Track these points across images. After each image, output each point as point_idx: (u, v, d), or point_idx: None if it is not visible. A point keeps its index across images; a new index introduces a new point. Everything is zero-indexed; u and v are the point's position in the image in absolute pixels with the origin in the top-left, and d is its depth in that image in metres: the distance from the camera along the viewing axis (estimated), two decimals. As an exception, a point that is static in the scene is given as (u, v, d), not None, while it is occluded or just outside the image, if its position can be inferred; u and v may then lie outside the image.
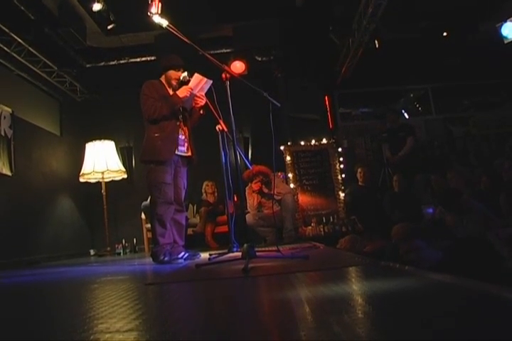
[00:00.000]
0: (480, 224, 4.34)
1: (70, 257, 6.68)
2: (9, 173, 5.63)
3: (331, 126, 8.02)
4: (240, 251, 3.18)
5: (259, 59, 7.43)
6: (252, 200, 6.02)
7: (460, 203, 4.71)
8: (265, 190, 5.89)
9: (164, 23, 3.50)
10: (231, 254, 3.75)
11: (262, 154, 6.66)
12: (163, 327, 1.27)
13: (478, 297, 1.40)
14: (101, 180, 7.11)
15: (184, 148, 4.00)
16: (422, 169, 7.05)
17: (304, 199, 7.17)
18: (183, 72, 3.97)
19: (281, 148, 7.23)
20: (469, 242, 3.30)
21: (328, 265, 2.81)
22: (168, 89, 3.98)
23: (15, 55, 6.04)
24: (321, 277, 2.21)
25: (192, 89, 3.81)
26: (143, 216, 6.77)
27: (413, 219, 5.00)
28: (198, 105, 3.95)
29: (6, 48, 5.85)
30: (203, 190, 6.91)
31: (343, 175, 7.27)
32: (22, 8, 5.33)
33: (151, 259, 3.89)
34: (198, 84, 3.82)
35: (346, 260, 3.13)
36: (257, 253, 2.94)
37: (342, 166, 7.29)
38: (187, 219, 4.38)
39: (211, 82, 3.83)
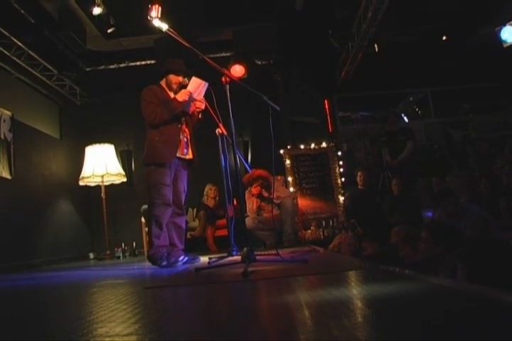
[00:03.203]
0: (479, 228, 4.33)
1: (69, 261, 6.67)
2: (9, 177, 5.63)
3: (330, 129, 8.02)
4: (239, 255, 3.18)
5: (259, 62, 7.45)
6: (251, 204, 6.01)
7: (456, 204, 4.71)
8: (265, 194, 5.89)
9: (164, 26, 3.51)
10: (231, 258, 3.74)
11: (261, 158, 6.67)
12: (163, 330, 1.27)
13: (478, 300, 1.40)
14: (100, 184, 7.10)
15: (186, 151, 4.01)
16: (421, 173, 7.06)
17: (303, 202, 7.17)
18: (184, 77, 3.98)
19: (281, 151, 7.23)
20: (487, 244, 3.27)
21: (327, 269, 2.81)
22: (169, 92, 3.99)
23: (15, 58, 6.05)
24: (320, 281, 2.21)
25: (191, 93, 3.81)
26: (142, 219, 6.75)
27: (413, 223, 5.00)
28: (199, 109, 3.95)
29: (6, 52, 5.85)
30: (205, 193, 6.89)
31: (343, 179, 7.27)
32: (22, 11, 5.35)
33: (150, 263, 3.88)
34: (197, 88, 3.83)
35: (346, 264, 3.12)
36: (257, 257, 2.94)
37: (341, 170, 7.29)
38: (187, 222, 4.38)
39: (207, 84, 3.84)
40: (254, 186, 5.89)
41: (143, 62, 7.38)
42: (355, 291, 1.79)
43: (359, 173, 6.81)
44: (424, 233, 3.73)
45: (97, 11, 5.69)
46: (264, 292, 2.07)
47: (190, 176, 4.20)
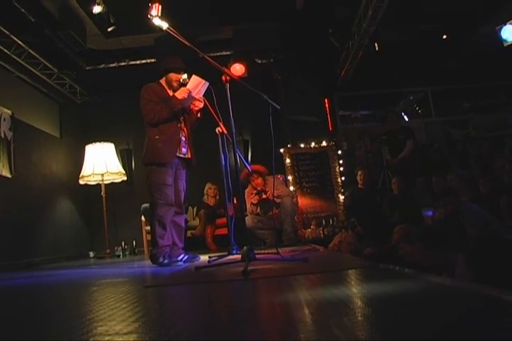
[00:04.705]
0: (479, 227, 4.33)
1: (69, 259, 6.68)
2: (9, 175, 5.63)
3: (330, 128, 8.02)
4: (239, 254, 3.18)
5: (259, 61, 7.44)
6: (250, 209, 6.01)
7: (455, 203, 4.71)
8: (264, 196, 5.88)
9: (164, 25, 3.51)
10: (231, 257, 3.74)
11: (261, 156, 6.66)
12: (163, 329, 1.27)
13: (478, 299, 1.40)
14: (100, 182, 7.10)
15: (185, 150, 4.01)
16: (421, 172, 7.06)
17: (303, 201, 7.17)
18: (184, 74, 3.98)
19: (281, 150, 7.23)
20: (492, 243, 3.28)
21: (327, 267, 2.81)
22: (168, 90, 3.99)
23: (15, 57, 6.05)
24: (320, 279, 2.21)
25: (190, 91, 3.81)
26: (142, 218, 6.76)
27: (413, 222, 5.00)
28: (197, 108, 3.95)
29: (6, 50, 5.86)
30: (205, 192, 6.90)
31: (343, 178, 7.27)
32: (22, 10, 5.34)
33: (150, 262, 3.88)
34: (196, 86, 3.83)
35: (346, 262, 3.12)
36: (257, 256, 2.94)
37: (342, 169, 7.29)
38: (186, 221, 4.38)
39: (208, 84, 3.84)
40: (253, 179, 5.89)
41: (143, 61, 7.38)
42: (355, 290, 1.79)
43: (359, 172, 6.80)
44: (417, 244, 3.73)
45: (97, 9, 5.69)
46: (264, 291, 2.07)
47: (190, 175, 4.20)
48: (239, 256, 3.01)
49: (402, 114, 8.75)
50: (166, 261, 3.75)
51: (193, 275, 2.90)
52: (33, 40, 6.03)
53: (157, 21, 3.59)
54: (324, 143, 7.41)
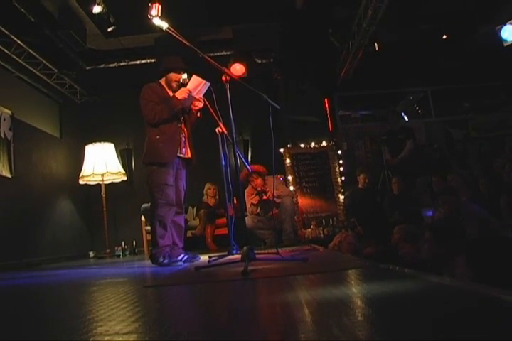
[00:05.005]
0: (479, 227, 4.33)
1: (69, 259, 6.68)
2: (9, 175, 5.63)
3: (330, 128, 8.02)
4: (239, 254, 3.18)
5: (259, 61, 7.44)
6: (250, 209, 6.01)
7: (455, 202, 4.71)
8: (264, 197, 5.88)
9: (164, 25, 3.51)
10: (231, 257, 3.74)
11: (261, 156, 6.67)
12: (163, 329, 1.27)
13: (478, 299, 1.40)
14: (100, 182, 7.10)
15: (184, 150, 4.01)
16: (421, 172, 7.06)
17: (303, 201, 7.17)
18: (184, 74, 3.98)
19: (281, 150, 7.23)
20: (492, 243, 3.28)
21: (327, 267, 2.81)
22: (168, 90, 3.99)
23: (15, 57, 6.04)
24: (320, 279, 2.21)
25: (190, 91, 3.81)
26: (142, 218, 6.76)
27: (413, 222, 5.00)
28: (197, 108, 3.96)
29: (6, 50, 5.85)
30: (204, 192, 6.90)
31: (343, 178, 7.27)
32: (22, 10, 5.34)
33: (150, 261, 3.89)
34: (197, 86, 3.83)
35: (346, 262, 3.12)
36: (257, 256, 2.94)
37: (342, 169, 7.29)
38: (186, 221, 4.37)
39: (209, 84, 3.84)
40: (253, 179, 5.88)
41: (143, 61, 7.37)
42: (355, 290, 1.79)
43: (362, 176, 6.80)
44: (426, 234, 3.73)
45: (97, 9, 5.68)
46: (264, 291, 2.07)
47: (190, 175, 4.20)
48: (239, 256, 3.01)
49: (402, 114, 8.75)
50: (166, 261, 3.75)
51: (193, 275, 2.90)
52: (33, 40, 6.03)
53: (157, 21, 3.59)
54: (324, 143, 7.41)
